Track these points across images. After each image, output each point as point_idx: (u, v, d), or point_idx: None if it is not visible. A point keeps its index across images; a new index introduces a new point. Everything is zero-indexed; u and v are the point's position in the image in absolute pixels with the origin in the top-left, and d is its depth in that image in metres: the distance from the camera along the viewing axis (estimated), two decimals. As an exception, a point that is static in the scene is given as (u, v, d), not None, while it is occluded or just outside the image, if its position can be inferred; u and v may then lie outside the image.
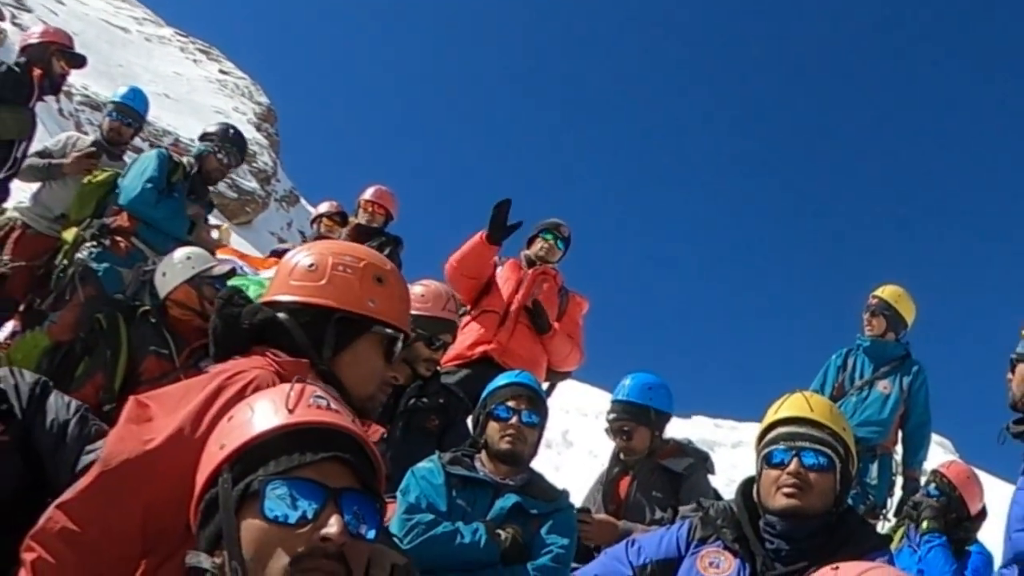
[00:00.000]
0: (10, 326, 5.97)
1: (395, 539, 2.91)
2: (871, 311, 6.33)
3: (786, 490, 2.64)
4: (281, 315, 2.19)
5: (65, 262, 5.61)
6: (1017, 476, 3.51)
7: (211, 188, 6.27)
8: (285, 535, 1.44)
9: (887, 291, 6.36)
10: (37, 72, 5.89)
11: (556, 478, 3.72)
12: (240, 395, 1.90)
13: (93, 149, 6.09)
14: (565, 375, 5.70)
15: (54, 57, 5.99)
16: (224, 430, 1.61)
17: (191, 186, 5.84)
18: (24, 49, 6.10)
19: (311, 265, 2.24)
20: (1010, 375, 3.57)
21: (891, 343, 6.32)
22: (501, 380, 3.66)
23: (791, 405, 2.79)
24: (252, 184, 35.54)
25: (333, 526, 1.43)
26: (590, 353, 5.83)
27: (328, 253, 2.27)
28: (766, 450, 2.74)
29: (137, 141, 7.25)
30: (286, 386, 1.61)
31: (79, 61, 6.26)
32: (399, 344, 2.30)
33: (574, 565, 3.40)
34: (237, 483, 1.51)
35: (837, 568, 1.53)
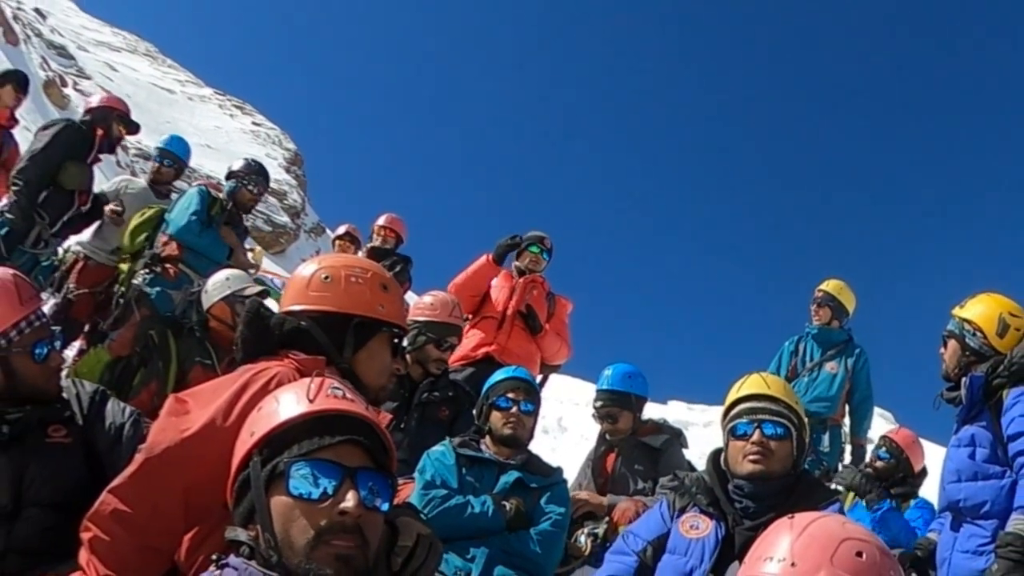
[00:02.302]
0: (77, 345, 5.92)
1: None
2: (817, 303, 6.32)
3: (751, 457, 2.66)
4: (304, 323, 2.17)
5: (122, 288, 5.58)
6: (949, 440, 3.51)
7: (246, 217, 6.17)
8: (309, 510, 1.44)
9: (831, 285, 6.34)
10: (100, 132, 5.88)
11: (553, 459, 3.71)
12: (264, 389, 1.89)
13: (118, 211, 6.02)
14: (556, 368, 5.70)
15: (115, 122, 5.97)
16: (254, 419, 1.60)
17: (228, 218, 5.79)
18: (89, 111, 6.08)
19: (326, 278, 2.22)
20: (942, 350, 3.57)
21: (835, 330, 6.30)
22: (500, 375, 3.67)
23: (751, 384, 2.80)
24: (284, 219, 35.65)
25: (350, 501, 1.43)
26: (579, 350, 5.84)
27: (340, 267, 2.26)
28: (731, 424, 2.76)
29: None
30: (307, 379, 1.61)
31: (135, 128, 6.23)
32: (402, 340, 2.31)
33: None
34: (266, 465, 1.50)
35: (792, 517, 1.51)
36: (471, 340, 5.23)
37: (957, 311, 3.53)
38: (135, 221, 5.84)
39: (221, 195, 5.84)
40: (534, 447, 3.67)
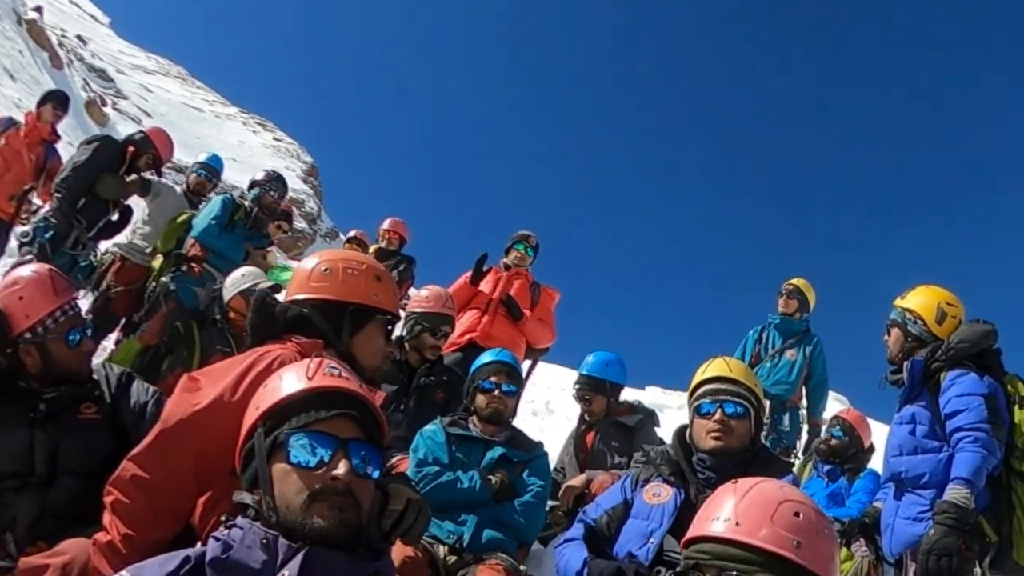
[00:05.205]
0: (114, 336, 5.94)
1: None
2: (787, 294, 6.36)
3: (714, 434, 2.65)
4: (306, 310, 2.19)
5: (153, 284, 5.59)
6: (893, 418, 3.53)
7: (270, 220, 6.17)
8: (305, 476, 1.45)
9: (798, 281, 6.44)
10: (131, 150, 5.89)
11: (542, 438, 3.71)
12: (268, 368, 1.92)
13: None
14: (543, 351, 5.66)
15: (147, 156, 5.95)
16: (259, 394, 1.61)
17: (253, 223, 5.80)
18: (141, 132, 6.14)
19: (326, 270, 2.25)
20: (886, 337, 3.59)
21: (796, 320, 6.33)
22: (485, 358, 3.66)
23: (715, 367, 2.79)
24: (302, 224, 35.61)
25: (342, 468, 1.44)
26: (566, 340, 5.82)
27: (338, 260, 2.29)
28: (696, 403, 2.75)
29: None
30: (307, 359, 1.63)
31: (158, 169, 6.18)
32: (394, 326, 2.31)
33: None
34: (268, 436, 1.52)
35: (736, 482, 1.53)
36: (458, 328, 5.16)
37: (899, 301, 3.55)
38: (168, 224, 5.87)
39: (246, 202, 5.85)
40: (525, 428, 3.67)
